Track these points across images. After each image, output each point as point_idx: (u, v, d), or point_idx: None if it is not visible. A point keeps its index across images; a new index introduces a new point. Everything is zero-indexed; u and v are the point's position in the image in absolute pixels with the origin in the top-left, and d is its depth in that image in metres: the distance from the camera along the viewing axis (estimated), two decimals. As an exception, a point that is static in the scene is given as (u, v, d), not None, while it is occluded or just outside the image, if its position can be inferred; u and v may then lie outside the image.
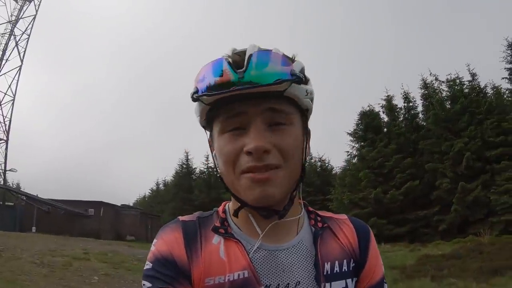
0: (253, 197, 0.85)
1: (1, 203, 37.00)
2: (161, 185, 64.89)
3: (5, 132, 43.48)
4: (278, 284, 0.89)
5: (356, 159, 30.83)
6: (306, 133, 0.95)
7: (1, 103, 43.49)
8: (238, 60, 0.84)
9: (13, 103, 44.49)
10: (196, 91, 0.87)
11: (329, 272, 0.92)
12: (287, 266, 0.91)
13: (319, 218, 1.02)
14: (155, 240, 0.92)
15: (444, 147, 24.88)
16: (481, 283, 8.98)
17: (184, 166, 48.05)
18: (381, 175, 27.22)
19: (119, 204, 42.57)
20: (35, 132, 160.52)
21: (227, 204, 1.03)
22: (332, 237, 1.00)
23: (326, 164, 41.11)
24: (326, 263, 0.93)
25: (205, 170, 46.45)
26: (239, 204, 0.91)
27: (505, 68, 25.13)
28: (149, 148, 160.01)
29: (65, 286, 9.30)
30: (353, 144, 31.25)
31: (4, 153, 42.63)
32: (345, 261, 0.96)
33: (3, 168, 41.79)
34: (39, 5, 45.01)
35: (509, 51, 24.84)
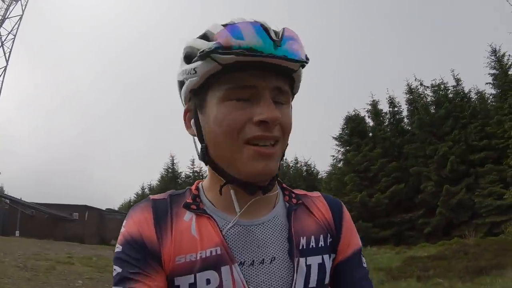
0: (255, 170, 0.84)
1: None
2: (146, 190, 64.23)
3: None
4: (253, 260, 0.87)
5: (341, 163, 30.98)
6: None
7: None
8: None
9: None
10: (219, 47, 0.80)
11: (304, 247, 0.92)
12: (262, 241, 0.89)
13: (293, 195, 1.03)
14: (125, 221, 0.89)
15: (429, 151, 25.21)
16: (467, 283, 9.08)
17: (170, 170, 47.86)
18: (366, 179, 27.41)
19: (103, 208, 42.10)
20: (19, 134, 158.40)
21: (200, 182, 1.01)
22: (307, 213, 0.99)
23: (312, 169, 41.20)
24: (302, 238, 0.93)
25: (190, 174, 46.35)
26: (224, 181, 0.90)
27: (489, 74, 25.43)
28: (135, 153, 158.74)
29: (48, 289, 9.16)
30: (339, 148, 31.46)
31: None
32: (321, 236, 0.96)
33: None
34: (25, 5, 44.45)
35: (493, 57, 25.18)
